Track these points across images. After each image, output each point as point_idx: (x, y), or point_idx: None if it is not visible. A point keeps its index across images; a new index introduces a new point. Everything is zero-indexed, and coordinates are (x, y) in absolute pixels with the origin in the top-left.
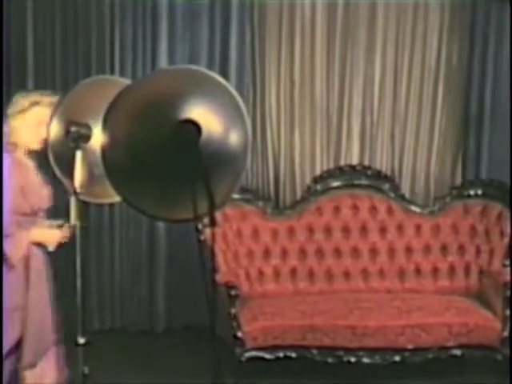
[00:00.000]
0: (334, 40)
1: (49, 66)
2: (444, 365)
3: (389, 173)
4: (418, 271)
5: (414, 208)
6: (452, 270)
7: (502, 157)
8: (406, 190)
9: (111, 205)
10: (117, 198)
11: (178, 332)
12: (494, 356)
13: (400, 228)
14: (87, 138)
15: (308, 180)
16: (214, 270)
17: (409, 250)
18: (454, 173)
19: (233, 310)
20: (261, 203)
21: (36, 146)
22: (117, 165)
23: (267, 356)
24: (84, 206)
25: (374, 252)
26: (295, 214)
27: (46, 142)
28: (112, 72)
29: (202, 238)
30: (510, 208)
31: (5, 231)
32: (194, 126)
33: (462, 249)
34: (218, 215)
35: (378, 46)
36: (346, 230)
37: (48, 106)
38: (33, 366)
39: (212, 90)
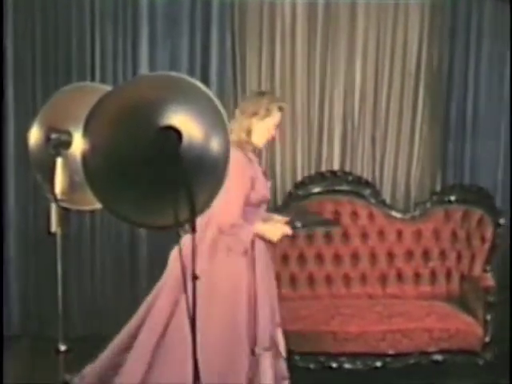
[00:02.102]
0: (315, 45)
1: (29, 73)
2: (425, 370)
3: (370, 178)
4: (399, 276)
5: (395, 213)
6: (433, 275)
7: (482, 162)
8: (386, 195)
9: (92, 211)
10: (98, 205)
11: None
12: (475, 361)
13: (381, 233)
14: (68, 144)
15: (289, 186)
16: (195, 275)
17: (390, 256)
18: (434, 178)
19: None
20: None
21: (262, 144)
22: (97, 171)
23: None
24: (65, 213)
25: (355, 257)
26: None
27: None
28: (93, 79)
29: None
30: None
31: (237, 221)
32: (175, 133)
33: (443, 254)
34: None
35: (359, 52)
36: (327, 236)
37: (282, 111)
38: (268, 349)
39: (193, 97)
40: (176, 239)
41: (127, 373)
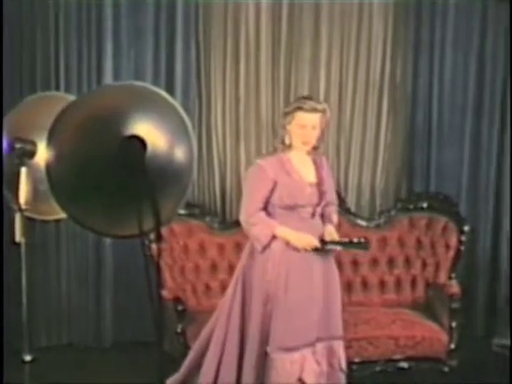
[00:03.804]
0: (279, 54)
1: None
2: (391, 377)
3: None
4: (364, 284)
5: (359, 221)
6: (398, 282)
7: (447, 169)
8: (351, 203)
9: (57, 220)
10: (62, 215)
11: (126, 348)
12: (441, 368)
13: None
14: (32, 154)
15: None
16: (160, 285)
17: (355, 264)
18: (399, 186)
19: (180, 326)
20: (207, 218)
21: (301, 147)
22: (61, 181)
23: None
24: (29, 223)
25: None
26: (242, 229)
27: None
28: (57, 89)
29: (149, 253)
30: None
31: (250, 220)
32: (139, 142)
33: (408, 262)
34: (165, 231)
35: (323, 60)
36: None
37: (311, 112)
38: (289, 350)
39: (157, 106)
40: (142, 249)
41: (204, 373)
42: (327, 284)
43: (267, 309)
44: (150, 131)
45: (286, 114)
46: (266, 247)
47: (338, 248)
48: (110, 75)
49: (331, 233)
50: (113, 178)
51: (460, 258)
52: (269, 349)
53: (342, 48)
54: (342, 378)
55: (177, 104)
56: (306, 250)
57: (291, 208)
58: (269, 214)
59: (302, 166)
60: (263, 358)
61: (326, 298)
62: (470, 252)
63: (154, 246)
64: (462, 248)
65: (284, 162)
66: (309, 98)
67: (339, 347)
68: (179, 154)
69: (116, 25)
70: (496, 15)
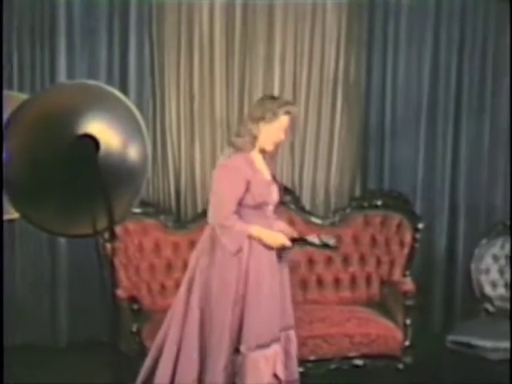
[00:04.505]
0: (233, 53)
1: None
2: (346, 375)
3: (289, 185)
4: (319, 282)
5: (314, 219)
6: (353, 280)
7: (401, 167)
8: (306, 201)
9: (11, 220)
10: (16, 214)
11: (82, 347)
12: (396, 365)
13: None
14: None
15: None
16: (115, 284)
17: (310, 262)
18: (353, 184)
19: (135, 325)
20: (162, 217)
21: (270, 147)
22: (14, 180)
23: None
24: None
25: None
26: (197, 227)
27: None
28: (10, 87)
29: (103, 252)
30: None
31: (226, 222)
32: (92, 141)
33: (362, 259)
34: (119, 229)
35: (277, 59)
36: None
37: (291, 115)
38: (263, 347)
39: (110, 105)
40: (97, 248)
41: (159, 375)
42: (282, 275)
43: (237, 308)
44: (104, 130)
45: (274, 114)
46: (240, 249)
47: (308, 247)
48: (64, 75)
49: (286, 228)
50: (66, 177)
51: (414, 256)
52: (243, 348)
53: (295, 47)
54: (296, 365)
55: (130, 103)
56: (276, 248)
57: (260, 207)
58: (238, 215)
59: (261, 165)
60: (233, 358)
61: (281, 289)
62: (426, 249)
63: (108, 246)
64: (417, 245)
65: (250, 162)
66: (274, 97)
67: (293, 335)
68: (133, 152)
69: (69, 24)
70: (450, 13)
